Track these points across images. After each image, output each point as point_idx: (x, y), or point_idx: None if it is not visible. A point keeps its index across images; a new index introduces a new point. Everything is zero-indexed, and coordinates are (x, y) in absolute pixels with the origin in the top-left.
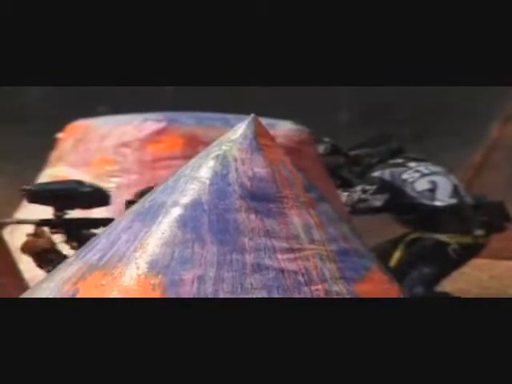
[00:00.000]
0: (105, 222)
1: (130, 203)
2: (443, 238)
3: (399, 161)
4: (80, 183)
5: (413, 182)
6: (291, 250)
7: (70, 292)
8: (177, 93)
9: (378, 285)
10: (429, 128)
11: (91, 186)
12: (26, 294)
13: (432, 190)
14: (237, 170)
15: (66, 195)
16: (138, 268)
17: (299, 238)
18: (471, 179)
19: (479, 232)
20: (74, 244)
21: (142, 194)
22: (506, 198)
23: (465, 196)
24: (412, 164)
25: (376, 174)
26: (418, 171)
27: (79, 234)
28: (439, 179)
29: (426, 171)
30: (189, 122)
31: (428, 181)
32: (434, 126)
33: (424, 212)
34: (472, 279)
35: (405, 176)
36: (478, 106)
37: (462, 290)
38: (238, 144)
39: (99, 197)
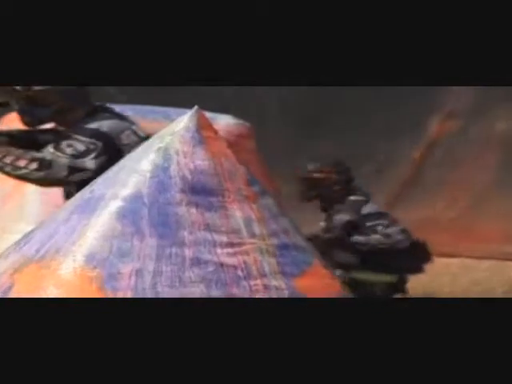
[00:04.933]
0: None
1: None
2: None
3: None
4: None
5: None
6: (231, 245)
7: (6, 284)
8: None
9: (317, 280)
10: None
11: None
12: None
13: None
14: (178, 162)
15: None
16: (74, 261)
17: (240, 232)
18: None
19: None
20: None
21: None
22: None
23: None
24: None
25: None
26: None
27: None
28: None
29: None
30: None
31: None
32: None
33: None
34: None
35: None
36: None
37: None
38: (180, 136)
39: None
